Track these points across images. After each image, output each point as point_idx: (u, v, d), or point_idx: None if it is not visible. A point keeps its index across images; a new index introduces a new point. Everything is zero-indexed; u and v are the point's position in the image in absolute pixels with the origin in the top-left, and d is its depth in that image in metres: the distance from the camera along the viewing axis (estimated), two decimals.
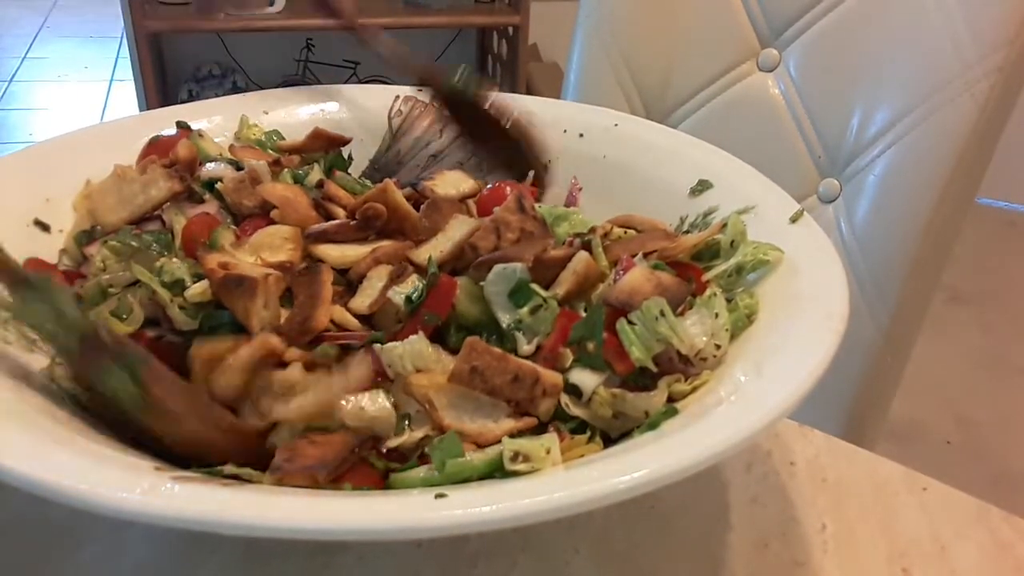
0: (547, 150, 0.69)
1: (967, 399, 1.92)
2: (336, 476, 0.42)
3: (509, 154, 0.69)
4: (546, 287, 0.52)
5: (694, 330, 0.49)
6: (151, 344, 0.50)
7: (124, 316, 0.50)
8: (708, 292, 0.52)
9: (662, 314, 0.48)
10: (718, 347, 0.49)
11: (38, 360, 0.48)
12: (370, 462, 0.44)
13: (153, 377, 0.44)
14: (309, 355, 0.47)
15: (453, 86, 0.69)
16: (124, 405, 0.43)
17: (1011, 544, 0.54)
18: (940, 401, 1.89)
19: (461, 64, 0.70)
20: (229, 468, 0.43)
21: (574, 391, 0.48)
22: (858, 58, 0.92)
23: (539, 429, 0.46)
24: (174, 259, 0.53)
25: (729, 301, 0.52)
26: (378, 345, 0.47)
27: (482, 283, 0.51)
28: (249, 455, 0.43)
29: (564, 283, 0.52)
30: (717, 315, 0.50)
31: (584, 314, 0.51)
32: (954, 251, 0.92)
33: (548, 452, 0.42)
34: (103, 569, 0.50)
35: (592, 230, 0.59)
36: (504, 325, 0.50)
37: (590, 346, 0.49)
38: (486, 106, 0.69)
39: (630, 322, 0.49)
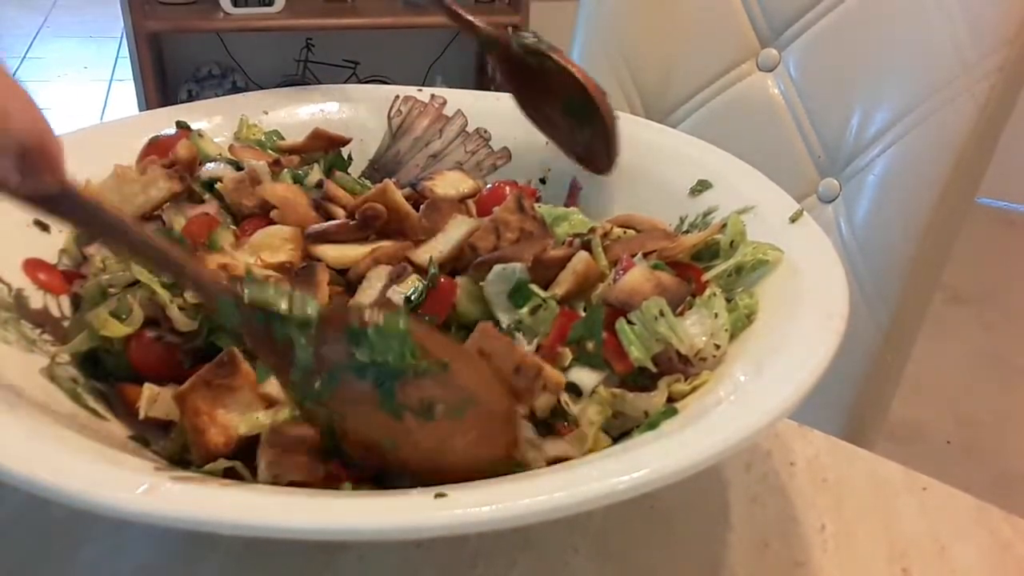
0: (615, 116, 0.65)
1: (967, 399, 1.92)
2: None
3: (576, 122, 0.66)
4: (545, 287, 0.52)
5: (694, 330, 0.49)
6: (151, 344, 0.50)
7: (124, 316, 0.50)
8: (708, 292, 0.52)
9: (661, 314, 0.48)
10: (717, 347, 0.49)
11: (38, 360, 0.48)
12: None
13: (419, 325, 0.41)
14: None
15: (523, 43, 0.65)
16: (383, 378, 0.40)
17: (1011, 544, 0.54)
18: (940, 401, 1.88)
19: (529, 31, 0.65)
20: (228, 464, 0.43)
21: (574, 390, 0.48)
22: (858, 58, 0.92)
23: (540, 428, 0.46)
24: None
25: (729, 301, 0.52)
26: None
27: (482, 283, 0.51)
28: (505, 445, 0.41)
29: (564, 283, 0.52)
30: (717, 315, 0.50)
31: (584, 314, 0.51)
32: (954, 251, 0.92)
33: None
34: (103, 569, 0.50)
35: (592, 230, 0.59)
36: (504, 325, 0.50)
37: (589, 345, 0.49)
38: (556, 65, 0.64)
39: (629, 322, 0.49)
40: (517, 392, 0.46)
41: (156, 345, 0.50)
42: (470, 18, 0.66)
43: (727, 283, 0.54)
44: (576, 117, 0.65)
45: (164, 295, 0.50)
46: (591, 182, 0.70)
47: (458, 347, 0.45)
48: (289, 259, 0.54)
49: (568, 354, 0.49)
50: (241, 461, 0.44)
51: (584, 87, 0.63)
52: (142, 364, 0.50)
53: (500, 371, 0.45)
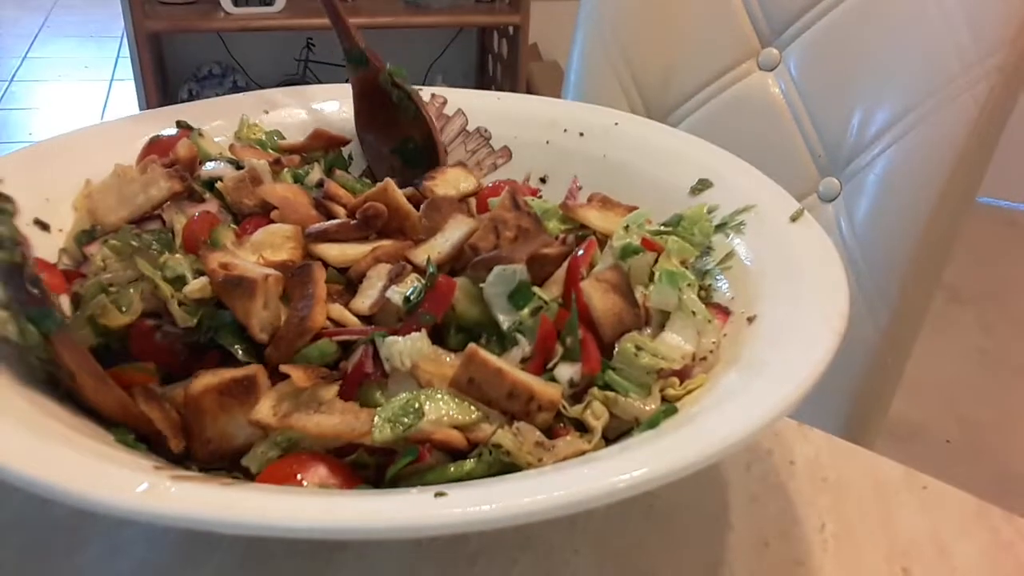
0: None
1: (967, 399, 1.92)
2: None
3: (402, 161, 0.70)
4: (541, 283, 0.52)
5: (676, 340, 0.50)
6: (149, 334, 0.50)
7: (123, 308, 0.50)
8: (683, 297, 0.51)
9: (638, 348, 0.48)
10: (714, 343, 0.49)
11: None
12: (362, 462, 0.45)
13: (60, 337, 0.44)
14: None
15: (394, 77, 0.69)
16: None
17: (1011, 543, 0.54)
18: (940, 401, 1.88)
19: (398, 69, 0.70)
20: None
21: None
22: (858, 57, 0.92)
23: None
24: (176, 255, 0.53)
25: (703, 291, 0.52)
26: (379, 338, 0.47)
27: (482, 284, 0.51)
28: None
29: (561, 281, 0.52)
30: (695, 313, 0.50)
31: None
32: (954, 250, 0.92)
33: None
34: (103, 569, 0.50)
35: (581, 226, 0.59)
36: (505, 328, 0.50)
37: (568, 340, 0.49)
38: (412, 108, 0.69)
39: (614, 369, 0.48)
40: (514, 415, 0.46)
41: (157, 333, 0.50)
42: (352, 30, 0.69)
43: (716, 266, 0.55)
44: (404, 157, 0.71)
45: (166, 289, 0.50)
46: (592, 182, 0.70)
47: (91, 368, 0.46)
48: (291, 257, 0.54)
49: (560, 349, 0.49)
50: (239, 462, 0.44)
51: (430, 135, 0.70)
52: (143, 353, 0.50)
53: (494, 400, 0.45)
